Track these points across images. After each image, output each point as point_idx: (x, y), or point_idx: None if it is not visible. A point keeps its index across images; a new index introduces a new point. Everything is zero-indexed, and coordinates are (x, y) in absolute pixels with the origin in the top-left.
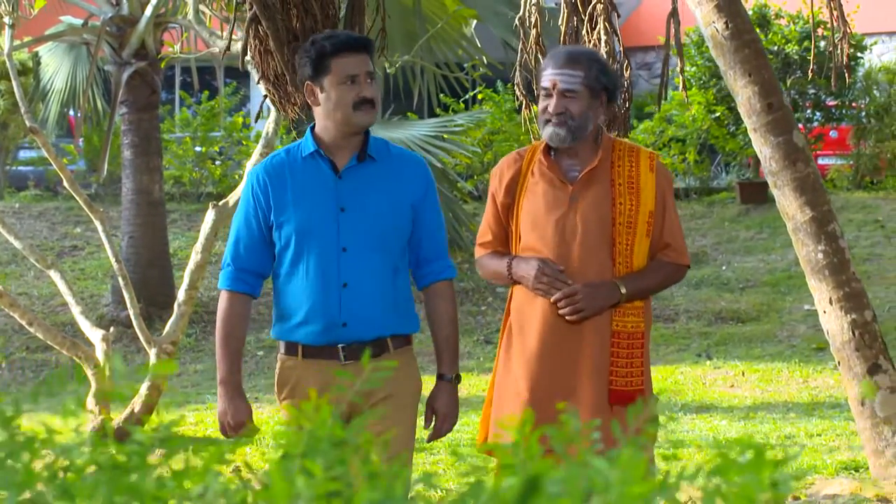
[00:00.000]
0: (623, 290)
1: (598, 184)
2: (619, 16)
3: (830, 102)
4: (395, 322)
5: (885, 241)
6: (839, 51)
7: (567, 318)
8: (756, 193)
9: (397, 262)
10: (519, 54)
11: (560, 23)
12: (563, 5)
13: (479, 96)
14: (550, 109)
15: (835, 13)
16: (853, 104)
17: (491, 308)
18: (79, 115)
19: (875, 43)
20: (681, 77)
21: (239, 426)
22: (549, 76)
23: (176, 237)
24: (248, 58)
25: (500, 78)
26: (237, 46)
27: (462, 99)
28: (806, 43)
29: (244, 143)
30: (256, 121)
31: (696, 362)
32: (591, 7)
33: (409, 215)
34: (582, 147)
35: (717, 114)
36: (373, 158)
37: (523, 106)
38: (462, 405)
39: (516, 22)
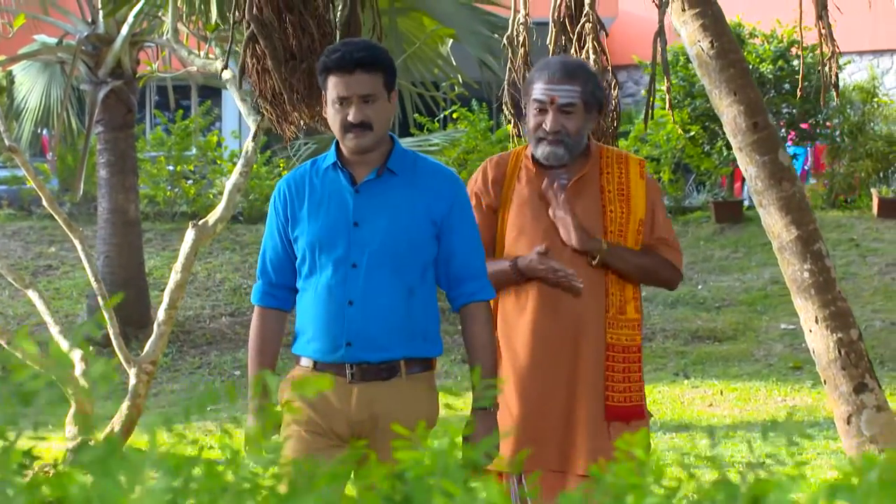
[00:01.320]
0: (604, 246)
1: (588, 192)
2: (607, 35)
3: (805, 123)
4: (408, 345)
5: (860, 259)
6: (828, 69)
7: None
8: (731, 213)
9: (413, 282)
10: (507, 73)
11: (548, 41)
12: (550, 24)
13: (455, 115)
14: (547, 127)
15: (823, 32)
16: (827, 123)
17: None
18: (53, 133)
19: (848, 62)
20: (667, 95)
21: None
22: (544, 90)
23: (150, 257)
24: (227, 76)
25: (475, 97)
26: (216, 65)
27: (437, 118)
28: (780, 62)
29: (218, 161)
30: (254, 139)
31: (674, 381)
32: (579, 26)
33: (429, 232)
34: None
35: (692, 133)
36: (393, 173)
37: (511, 125)
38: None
39: (504, 41)
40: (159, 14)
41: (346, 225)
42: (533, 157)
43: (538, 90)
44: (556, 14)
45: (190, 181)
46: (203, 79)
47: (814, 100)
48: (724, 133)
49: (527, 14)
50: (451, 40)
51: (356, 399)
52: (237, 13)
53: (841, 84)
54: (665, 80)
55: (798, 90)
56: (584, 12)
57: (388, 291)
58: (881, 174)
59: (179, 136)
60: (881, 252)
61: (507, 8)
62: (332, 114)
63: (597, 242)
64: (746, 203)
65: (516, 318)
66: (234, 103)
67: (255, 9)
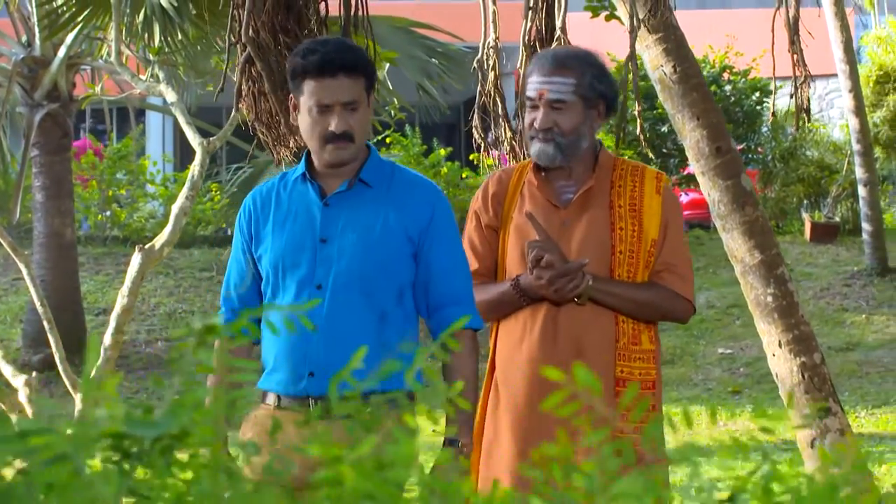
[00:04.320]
0: (589, 280)
1: (596, 207)
2: None
3: (737, 147)
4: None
5: (794, 284)
6: (800, 94)
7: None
8: None
9: (386, 306)
10: (477, 97)
11: (518, 66)
12: (521, 47)
13: (388, 140)
14: (537, 124)
15: (795, 56)
16: (759, 149)
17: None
18: None
19: (781, 87)
20: (639, 120)
21: None
22: (534, 84)
23: (83, 281)
24: (172, 99)
25: (408, 122)
26: (159, 88)
27: (370, 142)
28: (713, 87)
29: (151, 185)
30: (201, 163)
31: None
32: None
33: (405, 250)
34: (577, 165)
35: (626, 157)
36: (367, 184)
37: (483, 149)
38: None
39: (474, 64)
40: (101, 36)
41: (312, 241)
42: (535, 166)
43: (530, 85)
44: (526, 38)
45: (119, 205)
46: (139, 101)
47: (746, 125)
48: (656, 159)
49: (497, 37)
50: (388, 64)
51: None
52: (232, 37)
53: (773, 109)
54: (637, 104)
55: (770, 114)
56: (556, 36)
57: (356, 316)
58: (813, 199)
59: (111, 159)
60: (815, 277)
61: (444, 32)
62: (308, 122)
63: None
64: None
65: (513, 350)
66: (158, 127)
67: (251, 31)
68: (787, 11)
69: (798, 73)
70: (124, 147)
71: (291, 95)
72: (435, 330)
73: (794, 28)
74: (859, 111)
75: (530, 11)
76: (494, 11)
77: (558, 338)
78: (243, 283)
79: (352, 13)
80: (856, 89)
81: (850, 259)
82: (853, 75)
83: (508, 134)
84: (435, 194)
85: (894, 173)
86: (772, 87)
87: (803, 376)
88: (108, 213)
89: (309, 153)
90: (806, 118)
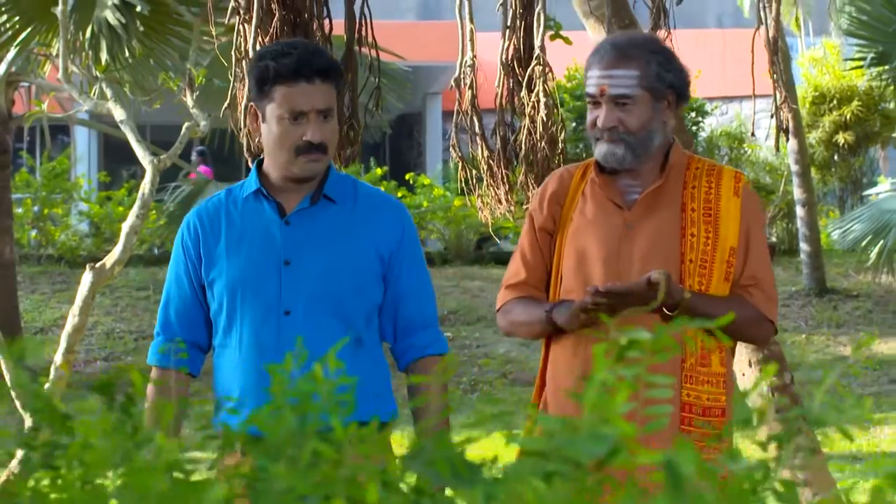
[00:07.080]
0: (687, 295)
1: (665, 208)
2: (554, 78)
3: None
4: (359, 408)
5: None
6: (781, 114)
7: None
8: None
9: (360, 331)
10: (455, 115)
11: (496, 84)
12: (499, 66)
13: None
14: (600, 124)
15: (774, 77)
16: None
17: None
18: None
19: (716, 107)
20: None
21: None
22: (594, 79)
23: (20, 300)
24: (121, 116)
25: None
26: (107, 105)
27: None
28: None
29: (85, 203)
30: (152, 181)
31: None
32: (529, 69)
33: (376, 272)
34: (646, 162)
35: None
36: (331, 200)
37: (460, 167)
38: None
39: (451, 83)
40: (45, 53)
41: (275, 263)
42: (599, 164)
43: (590, 81)
44: (504, 56)
45: (54, 223)
46: (78, 119)
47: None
48: None
49: (474, 56)
50: None
51: None
52: (237, 52)
53: (708, 130)
54: None
55: (750, 133)
56: (535, 55)
57: (330, 343)
58: None
59: (46, 177)
60: None
61: (385, 52)
62: (277, 132)
63: (679, 291)
64: None
65: (568, 366)
66: (85, 143)
67: (258, 47)
68: (767, 32)
69: (778, 93)
70: (59, 165)
71: (252, 104)
72: (401, 355)
73: (773, 48)
74: (797, 132)
75: (508, 30)
76: (472, 30)
77: None
78: (186, 310)
79: (356, 31)
80: (794, 110)
81: (787, 279)
82: (791, 96)
83: (486, 153)
84: (403, 212)
85: (820, 194)
86: (708, 107)
87: (773, 395)
88: (35, 231)
89: (259, 166)
90: (785, 138)
